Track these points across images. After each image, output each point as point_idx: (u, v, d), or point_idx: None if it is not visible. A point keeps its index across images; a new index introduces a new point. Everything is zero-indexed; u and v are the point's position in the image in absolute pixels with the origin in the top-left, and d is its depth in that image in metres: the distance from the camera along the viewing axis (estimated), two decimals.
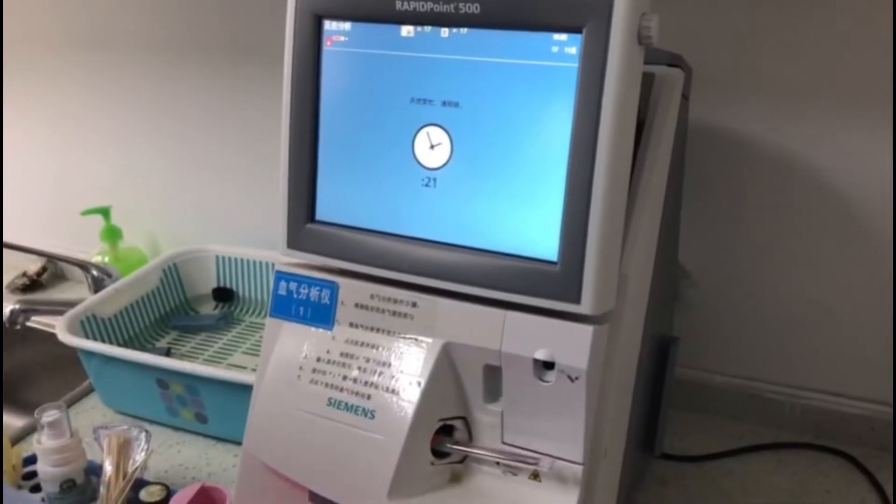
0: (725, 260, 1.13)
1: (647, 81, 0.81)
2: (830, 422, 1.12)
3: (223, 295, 1.44)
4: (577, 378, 0.71)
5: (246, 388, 0.88)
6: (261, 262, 1.41)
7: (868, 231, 1.04)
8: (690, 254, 1.12)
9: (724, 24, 1.02)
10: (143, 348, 1.29)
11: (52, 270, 1.69)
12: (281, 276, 0.85)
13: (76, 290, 1.60)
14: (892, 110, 0.98)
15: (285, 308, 0.85)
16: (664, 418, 1.00)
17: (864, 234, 1.05)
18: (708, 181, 1.10)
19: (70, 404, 1.25)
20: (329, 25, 0.78)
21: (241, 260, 1.42)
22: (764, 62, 1.02)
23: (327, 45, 0.79)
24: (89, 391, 1.27)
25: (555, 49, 0.69)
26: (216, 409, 1.12)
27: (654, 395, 0.98)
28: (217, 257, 1.43)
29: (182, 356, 1.29)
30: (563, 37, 0.68)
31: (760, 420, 1.16)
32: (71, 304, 1.26)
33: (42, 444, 0.98)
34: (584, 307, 0.70)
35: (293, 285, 0.84)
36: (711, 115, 1.06)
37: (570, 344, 0.71)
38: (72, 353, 1.19)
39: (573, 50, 0.68)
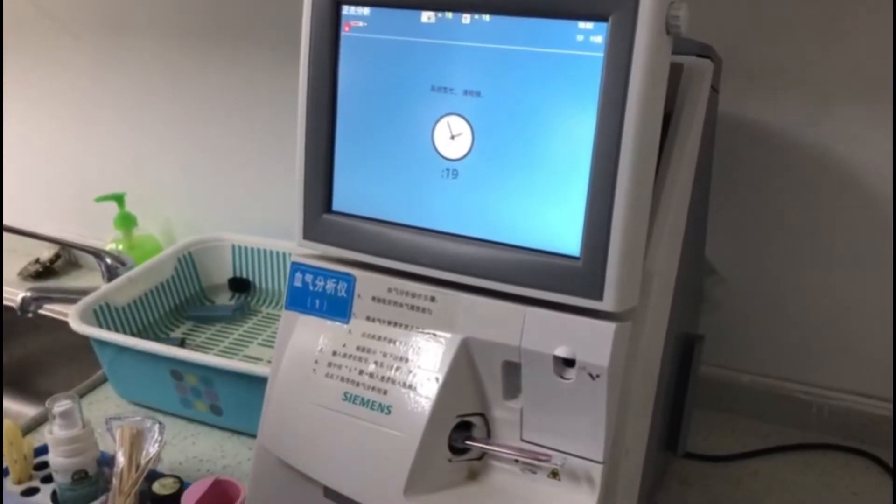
0: (754, 257, 1.13)
1: (676, 72, 0.80)
2: (858, 423, 1.12)
3: (239, 285, 1.45)
4: (598, 376, 0.71)
5: (261, 381, 0.88)
6: (278, 253, 1.41)
7: None
8: (718, 250, 1.11)
9: (760, 14, 1.02)
10: (156, 338, 1.29)
11: (66, 258, 1.70)
12: (297, 267, 0.85)
13: (90, 278, 1.61)
14: None
15: (301, 300, 0.85)
16: (688, 418, 1.00)
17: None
18: (738, 176, 1.09)
19: (83, 394, 1.25)
20: (347, 10, 0.78)
21: (258, 250, 1.42)
22: (803, 54, 1.01)
23: (345, 31, 0.78)
24: (103, 381, 1.28)
25: (580, 38, 0.68)
26: (231, 401, 1.12)
27: (678, 393, 0.98)
28: (233, 246, 1.44)
29: (196, 347, 1.30)
30: (588, 25, 0.67)
31: (787, 420, 1.15)
32: (84, 293, 1.27)
33: (53, 434, 0.99)
34: (607, 304, 0.70)
35: (309, 277, 0.84)
36: (744, 107, 1.06)
37: (592, 341, 0.71)
38: (85, 343, 1.20)
39: (599, 39, 0.67)
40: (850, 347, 1.11)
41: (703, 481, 1.06)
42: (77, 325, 1.17)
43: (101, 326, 1.22)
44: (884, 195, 1.03)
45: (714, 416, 1.17)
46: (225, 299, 1.44)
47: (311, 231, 0.83)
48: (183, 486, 0.98)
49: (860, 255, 1.07)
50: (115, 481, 0.99)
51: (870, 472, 1.07)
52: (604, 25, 0.67)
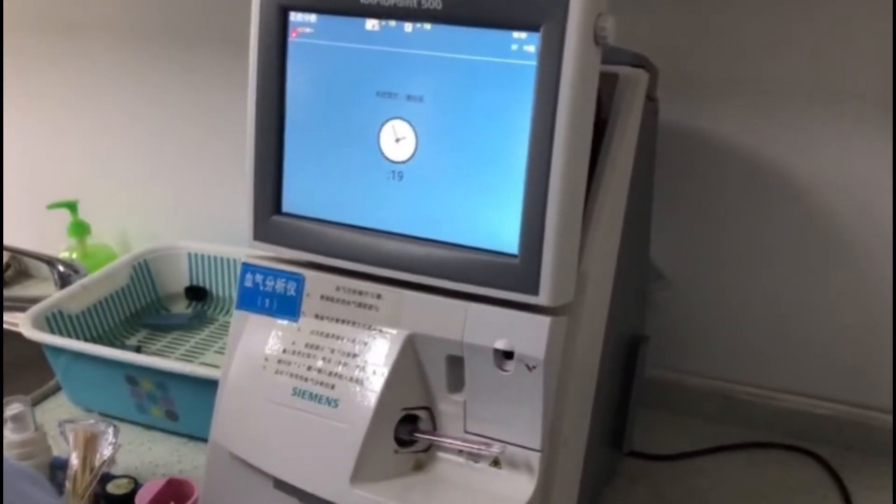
0: (700, 262, 1.20)
1: (611, 81, 0.87)
2: (800, 422, 1.19)
3: (196, 293, 1.49)
4: (534, 367, 0.77)
5: (217, 386, 0.93)
6: (235, 261, 1.43)
7: (840, 233, 1.11)
8: (665, 255, 1.18)
9: (699, 25, 1.09)
10: (112, 346, 1.32)
11: (17, 267, 1.71)
12: (247, 268, 0.91)
13: (41, 288, 1.62)
14: (875, 114, 1.05)
15: (252, 300, 0.91)
16: (633, 416, 1.06)
17: (836, 237, 1.11)
18: (683, 183, 1.16)
19: (36, 403, 1.28)
20: (295, 17, 0.84)
21: (215, 258, 1.47)
22: (740, 65, 1.08)
23: (293, 37, 0.84)
24: (56, 390, 1.31)
25: (514, 47, 0.75)
26: (187, 406, 1.17)
27: (624, 392, 1.04)
28: (190, 255, 1.48)
29: (152, 354, 1.33)
30: (521, 35, 0.74)
31: (733, 420, 1.22)
32: (35, 301, 1.29)
33: (6, 437, 1.02)
34: (543, 299, 0.76)
35: (259, 277, 0.90)
36: (686, 116, 1.12)
37: (529, 334, 0.77)
38: (36, 353, 1.23)
39: (531, 48, 0.74)
40: (791, 349, 1.19)
41: (650, 479, 1.13)
42: (29, 332, 1.20)
43: (53, 334, 1.25)
44: (820, 200, 1.10)
45: (663, 417, 1.24)
46: (181, 307, 1.48)
47: (261, 232, 0.89)
48: (137, 485, 1.03)
49: (799, 259, 1.14)
50: (68, 484, 1.03)
51: (809, 468, 1.14)
52: (536, 35, 0.73)
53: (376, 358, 0.83)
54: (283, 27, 0.85)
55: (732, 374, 1.23)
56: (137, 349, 1.34)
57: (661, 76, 0.95)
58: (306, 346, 0.87)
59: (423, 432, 0.85)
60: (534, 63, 0.74)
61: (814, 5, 1.03)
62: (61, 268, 1.45)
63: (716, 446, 1.18)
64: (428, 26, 0.78)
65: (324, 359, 0.85)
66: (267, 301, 0.90)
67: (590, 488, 0.94)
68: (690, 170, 1.15)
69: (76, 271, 1.44)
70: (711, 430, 1.22)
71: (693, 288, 1.21)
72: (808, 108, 1.07)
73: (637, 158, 0.88)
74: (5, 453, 1.02)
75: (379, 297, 0.84)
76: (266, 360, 0.88)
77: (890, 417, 1.15)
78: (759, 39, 1.07)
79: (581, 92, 0.73)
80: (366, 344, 0.84)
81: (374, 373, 0.83)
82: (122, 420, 1.21)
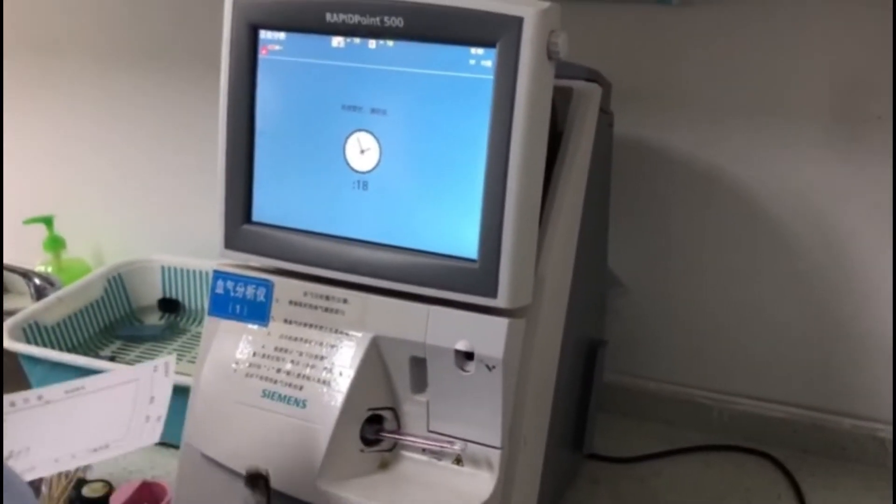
0: (656, 270, 1.24)
1: (566, 95, 0.91)
2: (756, 425, 1.22)
3: (169, 306, 1.51)
4: (494, 367, 0.81)
5: (189, 393, 0.96)
6: (207, 273, 1.41)
7: (788, 241, 1.15)
8: (623, 263, 1.22)
9: (655, 44, 1.13)
10: (86, 357, 1.35)
11: None
12: (218, 275, 0.94)
13: (18, 301, 1.63)
14: (802, 125, 1.09)
15: (223, 306, 0.94)
16: (592, 418, 1.09)
17: (784, 244, 1.15)
18: (639, 193, 1.20)
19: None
20: (265, 35, 0.87)
21: (188, 270, 1.49)
22: (691, 80, 1.13)
23: (263, 55, 0.88)
24: None
25: (472, 62, 0.79)
26: None
27: (584, 395, 1.07)
28: (163, 268, 1.50)
29: (127, 364, 1.34)
30: (479, 51, 0.78)
31: (691, 424, 1.26)
32: (12, 313, 1.31)
33: None
34: (501, 301, 0.80)
35: (230, 284, 0.93)
36: (641, 129, 1.16)
37: (488, 335, 0.81)
38: (13, 363, 1.24)
39: (489, 63, 0.78)
40: (747, 354, 1.22)
41: (610, 480, 1.16)
42: (6, 343, 1.22)
43: (30, 344, 1.26)
44: (769, 208, 1.14)
45: (623, 421, 1.27)
46: (155, 319, 1.50)
47: (232, 241, 0.92)
48: (111, 489, 1.05)
49: (752, 266, 1.18)
50: (44, 489, 1.05)
51: (764, 469, 1.18)
52: (492, 51, 0.77)
53: (343, 360, 0.86)
54: (253, 45, 0.88)
55: (689, 378, 1.26)
56: (112, 359, 1.36)
57: (617, 91, 0.99)
58: (275, 349, 0.90)
59: (388, 431, 0.88)
60: (491, 77, 0.77)
61: (760, 24, 1.07)
62: (37, 281, 1.47)
63: (674, 449, 1.22)
64: (391, 43, 0.82)
65: (292, 361, 0.89)
66: (238, 307, 0.93)
67: (550, 488, 0.97)
68: (647, 180, 1.19)
69: (52, 284, 1.45)
70: (669, 434, 1.25)
71: (650, 294, 1.25)
72: (756, 121, 1.11)
73: (592, 168, 0.91)
74: None
75: (345, 301, 0.87)
76: (237, 363, 0.91)
77: (843, 419, 1.19)
78: (709, 55, 1.11)
79: (536, 104, 0.77)
80: (332, 347, 0.87)
81: (341, 374, 0.86)
82: None
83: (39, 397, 0.98)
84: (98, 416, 0.95)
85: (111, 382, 0.99)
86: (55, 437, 0.94)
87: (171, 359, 0.98)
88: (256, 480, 0.82)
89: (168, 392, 0.94)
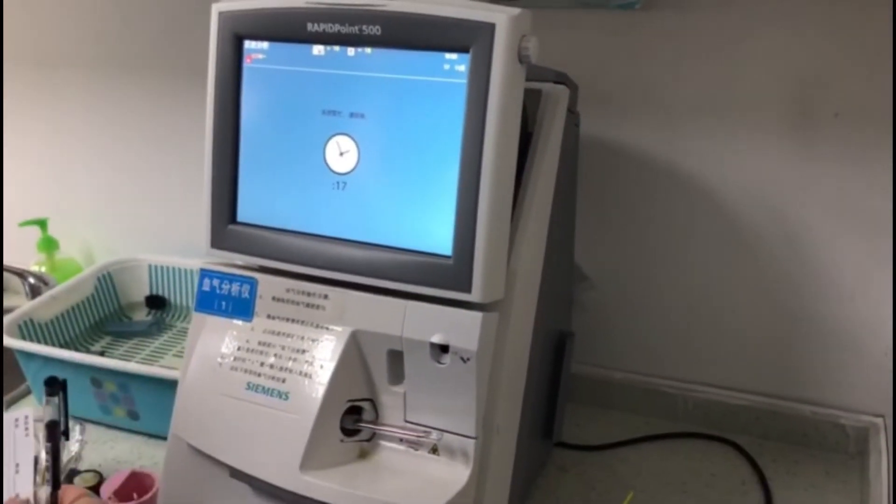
0: (621, 264, 1.23)
1: (535, 97, 0.90)
2: (719, 413, 1.23)
3: (156, 302, 1.50)
4: (468, 359, 0.80)
5: (175, 386, 0.95)
6: (192, 271, 1.46)
7: (748, 234, 1.15)
8: (589, 258, 1.22)
9: (617, 46, 1.12)
10: (78, 352, 1.34)
11: None
12: (205, 273, 0.93)
13: (14, 299, 1.63)
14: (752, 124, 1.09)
15: (209, 303, 0.93)
16: (562, 407, 1.09)
17: (744, 237, 1.16)
18: (603, 191, 1.20)
19: (8, 406, 1.30)
20: (249, 45, 0.87)
21: (173, 269, 1.49)
22: (654, 81, 1.12)
23: (247, 63, 0.87)
24: (26, 393, 1.32)
25: (446, 67, 0.78)
26: (147, 406, 1.18)
27: (553, 385, 1.07)
28: (150, 266, 1.50)
29: (115, 359, 1.34)
30: (453, 56, 0.77)
31: (656, 412, 1.26)
32: (8, 311, 1.30)
33: None
34: (475, 296, 0.79)
35: (216, 282, 0.92)
36: (607, 129, 1.16)
37: (462, 329, 0.80)
38: (9, 358, 1.24)
39: (462, 68, 0.77)
40: (709, 344, 1.23)
41: (578, 468, 1.16)
42: (3, 339, 1.22)
43: (25, 340, 1.26)
44: (729, 203, 1.14)
45: (591, 410, 1.27)
46: (142, 315, 1.50)
47: (218, 240, 0.91)
48: (102, 478, 1.04)
49: (713, 258, 1.18)
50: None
51: (728, 456, 1.18)
52: (466, 56, 0.77)
53: (323, 353, 0.86)
54: (238, 54, 0.87)
55: (654, 368, 1.26)
56: (101, 354, 1.35)
57: (582, 92, 0.99)
58: (259, 343, 0.89)
59: (367, 422, 0.88)
60: (464, 81, 0.77)
61: (718, 26, 1.07)
62: (32, 280, 1.47)
63: (640, 436, 1.22)
64: (369, 50, 0.81)
65: (275, 355, 0.88)
66: (223, 303, 0.92)
67: (523, 475, 0.97)
68: (611, 178, 1.19)
69: (46, 283, 1.46)
70: (635, 422, 1.25)
71: (616, 288, 1.25)
72: (715, 120, 1.11)
73: (561, 167, 0.91)
74: None
75: (325, 297, 0.87)
76: (222, 357, 0.90)
77: (804, 407, 1.20)
78: (669, 57, 1.11)
79: (508, 106, 0.76)
80: (314, 341, 0.87)
81: (322, 367, 0.85)
82: (87, 420, 1.22)
83: None
84: None
85: None
86: None
87: (30, 412, 1.00)
88: (53, 386, 0.84)
89: (31, 452, 0.95)
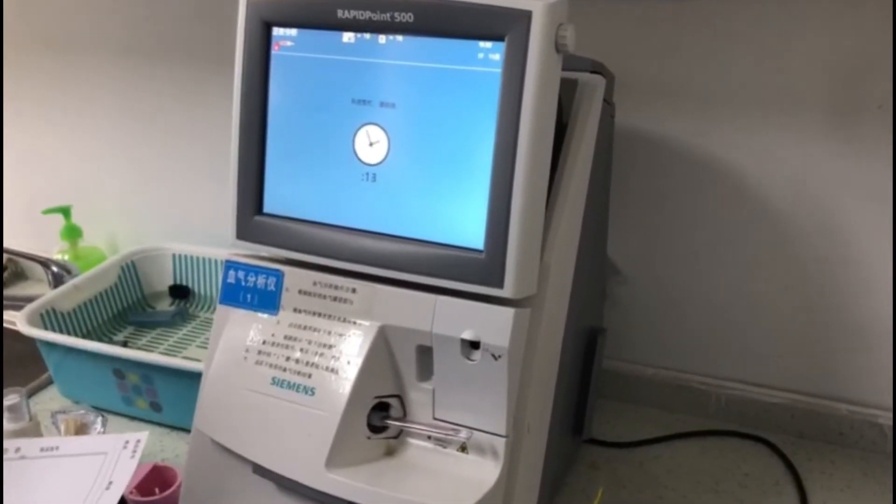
0: (655, 258, 1.21)
1: (571, 87, 0.88)
2: (753, 411, 1.21)
3: (179, 292, 1.50)
4: (499, 356, 0.78)
5: (198, 377, 0.94)
6: (216, 260, 1.46)
7: (786, 228, 1.13)
8: (621, 252, 1.20)
9: (654, 36, 1.10)
10: (100, 342, 1.33)
11: (13, 269, 1.72)
12: (230, 265, 0.92)
13: (37, 288, 1.64)
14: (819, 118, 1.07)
15: (234, 296, 0.92)
16: (592, 404, 1.07)
17: (781, 231, 1.13)
18: (638, 183, 1.18)
19: (30, 395, 1.29)
20: (277, 32, 0.85)
21: (197, 258, 1.48)
22: (690, 71, 1.10)
23: (275, 50, 0.85)
24: (49, 383, 1.32)
25: (480, 56, 0.76)
26: (170, 397, 1.17)
27: (584, 382, 1.05)
28: (174, 255, 1.49)
29: (138, 349, 1.34)
30: (487, 44, 0.75)
31: (689, 409, 1.24)
32: (30, 300, 1.30)
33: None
34: (507, 291, 0.77)
35: (241, 274, 0.91)
36: (641, 121, 1.14)
37: (494, 325, 0.78)
38: (31, 348, 1.24)
39: (497, 56, 0.75)
40: (744, 340, 1.20)
41: (609, 465, 1.14)
42: (25, 328, 1.21)
43: (47, 330, 1.26)
44: (766, 198, 1.12)
45: (622, 407, 1.25)
46: (165, 305, 1.49)
47: (244, 232, 0.89)
48: None
49: (749, 254, 1.16)
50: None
51: (761, 454, 1.16)
52: (501, 45, 0.74)
53: (350, 348, 0.84)
54: (266, 41, 0.86)
55: (686, 364, 1.24)
56: (124, 344, 1.35)
57: (618, 82, 0.96)
58: (285, 337, 0.88)
59: (395, 419, 0.86)
60: (499, 70, 0.75)
61: (758, 12, 1.05)
62: (55, 269, 1.47)
63: (671, 434, 1.20)
64: (400, 38, 0.79)
65: (301, 350, 0.86)
66: (248, 296, 0.91)
67: (552, 473, 0.95)
68: (645, 170, 1.17)
69: (69, 272, 1.45)
70: (667, 419, 1.23)
71: (648, 283, 1.22)
72: (754, 111, 1.09)
73: (595, 159, 0.89)
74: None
75: (353, 291, 0.85)
76: (247, 351, 0.89)
77: (840, 405, 1.17)
78: (706, 46, 1.08)
79: (543, 97, 0.74)
80: (341, 335, 0.85)
81: (349, 363, 0.83)
82: (109, 412, 1.21)
83: (17, 450, 0.99)
84: (61, 483, 0.95)
85: (83, 450, 0.99)
86: (20, 496, 0.94)
87: (144, 436, 0.98)
88: None
89: (129, 474, 0.94)
